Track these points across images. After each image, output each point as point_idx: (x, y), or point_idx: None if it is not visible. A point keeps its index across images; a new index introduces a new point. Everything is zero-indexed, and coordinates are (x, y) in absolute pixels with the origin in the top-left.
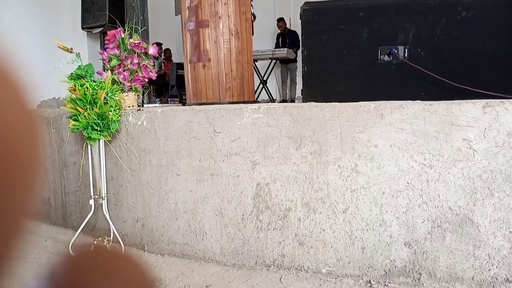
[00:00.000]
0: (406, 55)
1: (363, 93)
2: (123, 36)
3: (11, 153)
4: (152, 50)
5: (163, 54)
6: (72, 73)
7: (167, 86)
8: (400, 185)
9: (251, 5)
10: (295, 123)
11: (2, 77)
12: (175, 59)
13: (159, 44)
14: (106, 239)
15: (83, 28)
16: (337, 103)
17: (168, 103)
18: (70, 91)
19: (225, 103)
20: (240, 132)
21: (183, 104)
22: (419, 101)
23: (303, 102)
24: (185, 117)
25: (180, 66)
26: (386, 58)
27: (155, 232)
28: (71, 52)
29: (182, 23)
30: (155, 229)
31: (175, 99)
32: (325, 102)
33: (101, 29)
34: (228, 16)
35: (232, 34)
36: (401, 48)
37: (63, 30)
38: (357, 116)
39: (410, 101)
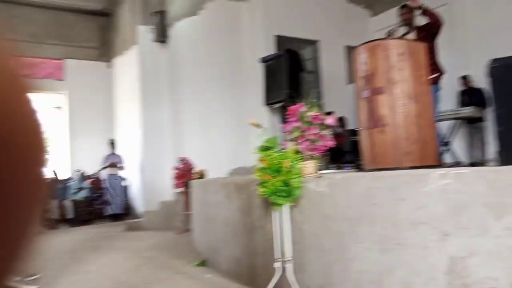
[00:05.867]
0: None
1: None
2: (303, 110)
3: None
4: (330, 120)
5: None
6: (261, 145)
7: (342, 152)
8: None
9: None
10: (492, 190)
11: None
12: (347, 125)
13: (330, 113)
14: None
15: (265, 104)
16: None
17: (343, 169)
18: (259, 161)
19: (406, 168)
20: (426, 200)
21: (359, 170)
22: None
23: (500, 165)
24: (365, 183)
25: (354, 132)
26: None
27: None
28: (261, 128)
29: (356, 92)
30: None
31: (350, 165)
32: None
33: (280, 104)
34: (404, 81)
35: (409, 98)
36: None
37: (249, 106)
38: None
39: None
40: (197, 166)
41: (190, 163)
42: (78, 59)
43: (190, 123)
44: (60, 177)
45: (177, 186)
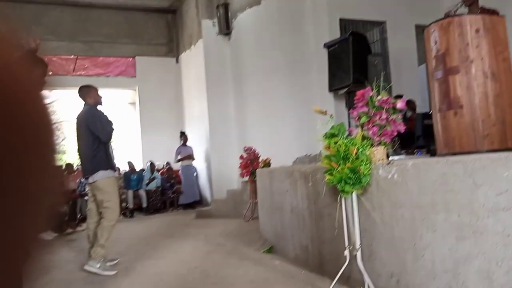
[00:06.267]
0: None
1: None
2: (371, 94)
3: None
4: (401, 104)
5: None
6: (326, 132)
7: (413, 137)
8: None
9: None
10: None
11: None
12: (418, 108)
13: (399, 97)
14: None
15: (330, 91)
16: None
17: (414, 154)
18: (325, 149)
19: (484, 152)
20: (508, 185)
21: (432, 155)
22: None
23: None
24: (439, 169)
25: (426, 116)
26: None
27: None
28: (325, 115)
29: (428, 73)
30: (411, 287)
31: (421, 150)
32: None
33: (346, 89)
34: (481, 58)
35: (487, 77)
36: None
37: (314, 93)
38: None
39: None
40: (262, 155)
41: (255, 152)
42: (148, 56)
43: (254, 113)
44: (135, 169)
45: (243, 175)
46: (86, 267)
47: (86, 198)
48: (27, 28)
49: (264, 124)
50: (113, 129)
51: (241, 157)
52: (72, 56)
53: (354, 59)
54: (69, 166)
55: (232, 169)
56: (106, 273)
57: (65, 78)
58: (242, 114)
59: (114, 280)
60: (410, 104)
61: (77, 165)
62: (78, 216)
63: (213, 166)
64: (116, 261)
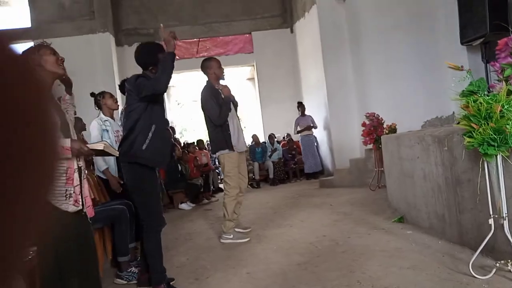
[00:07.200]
0: None
1: None
2: None
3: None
4: None
5: None
6: (464, 90)
7: None
8: None
9: None
10: None
11: None
12: None
13: None
14: (510, 262)
15: (462, 43)
16: None
17: None
18: (462, 109)
19: None
20: None
21: None
22: None
23: None
24: None
25: None
26: None
27: None
28: (461, 70)
29: None
30: None
31: None
32: None
33: (481, 39)
34: None
35: None
36: None
37: (442, 48)
38: None
39: None
40: (386, 121)
41: (379, 118)
42: (263, 30)
43: (375, 76)
44: (259, 141)
45: (366, 142)
46: (222, 240)
47: (217, 171)
48: (154, 17)
49: (386, 87)
50: (223, 110)
51: (364, 124)
52: (195, 39)
53: (490, 3)
54: (200, 142)
55: (354, 137)
56: (240, 241)
57: (191, 61)
58: (361, 78)
59: (249, 246)
60: None
61: (207, 141)
62: (211, 188)
63: (333, 135)
64: (249, 229)
